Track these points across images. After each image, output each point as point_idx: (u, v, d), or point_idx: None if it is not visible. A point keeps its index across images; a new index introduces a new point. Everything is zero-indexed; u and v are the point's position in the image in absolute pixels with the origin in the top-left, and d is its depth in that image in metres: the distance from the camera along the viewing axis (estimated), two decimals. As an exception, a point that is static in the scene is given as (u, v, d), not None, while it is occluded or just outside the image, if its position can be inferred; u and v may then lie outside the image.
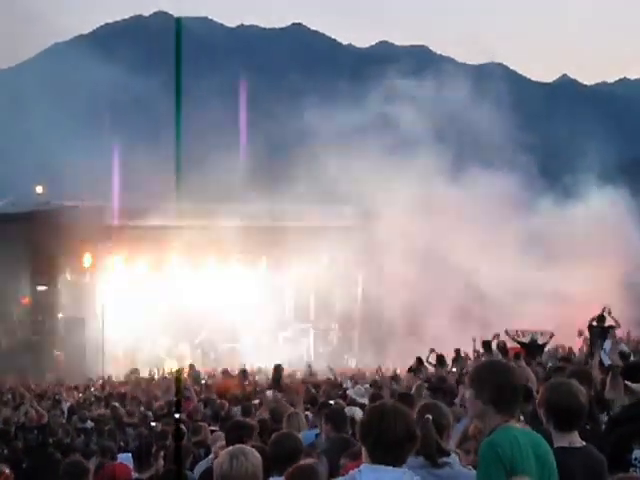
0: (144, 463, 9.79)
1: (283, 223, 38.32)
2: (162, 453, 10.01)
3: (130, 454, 10.57)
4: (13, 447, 13.88)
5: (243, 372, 24.81)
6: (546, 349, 21.84)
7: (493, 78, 53.64)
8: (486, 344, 21.33)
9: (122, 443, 13.32)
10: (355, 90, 47.40)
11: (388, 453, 4.88)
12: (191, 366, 33.69)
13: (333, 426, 9.22)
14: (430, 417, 5.95)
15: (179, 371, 25.16)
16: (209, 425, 12.85)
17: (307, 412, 13.08)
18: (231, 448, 5.56)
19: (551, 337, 21.81)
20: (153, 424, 13.86)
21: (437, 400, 6.96)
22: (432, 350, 22.40)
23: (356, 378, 23.65)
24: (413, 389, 13.32)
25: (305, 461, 6.34)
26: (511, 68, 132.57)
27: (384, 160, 37.18)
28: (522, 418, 5.40)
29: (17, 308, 35.86)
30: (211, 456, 9.39)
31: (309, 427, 10.97)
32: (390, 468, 4.86)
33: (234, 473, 5.24)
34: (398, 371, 25.72)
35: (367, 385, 17.65)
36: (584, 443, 5.86)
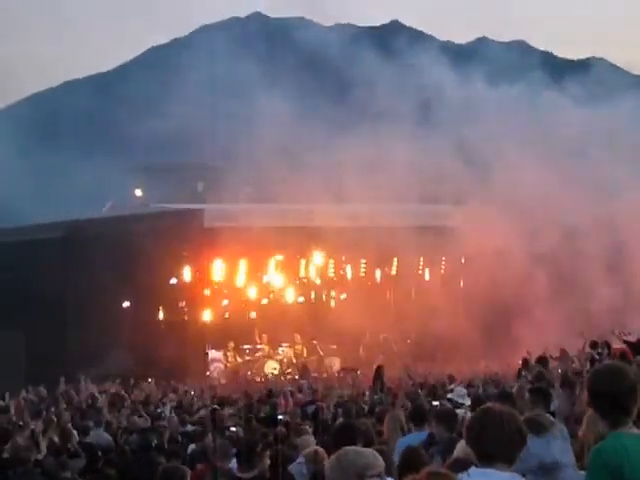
0: (247, 463, 9.83)
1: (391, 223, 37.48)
2: (268, 453, 9.98)
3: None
4: (122, 450, 14.02)
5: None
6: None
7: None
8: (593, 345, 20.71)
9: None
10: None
11: (495, 453, 4.87)
12: (304, 366, 33.81)
13: (445, 427, 9.27)
14: None
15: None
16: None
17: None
18: (340, 450, 5.49)
19: None
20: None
21: (536, 402, 6.82)
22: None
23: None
24: (514, 389, 13.10)
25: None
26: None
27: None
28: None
29: (118, 312, 36.12)
30: (301, 459, 9.27)
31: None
32: (498, 472, 4.83)
33: (340, 476, 5.22)
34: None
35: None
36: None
